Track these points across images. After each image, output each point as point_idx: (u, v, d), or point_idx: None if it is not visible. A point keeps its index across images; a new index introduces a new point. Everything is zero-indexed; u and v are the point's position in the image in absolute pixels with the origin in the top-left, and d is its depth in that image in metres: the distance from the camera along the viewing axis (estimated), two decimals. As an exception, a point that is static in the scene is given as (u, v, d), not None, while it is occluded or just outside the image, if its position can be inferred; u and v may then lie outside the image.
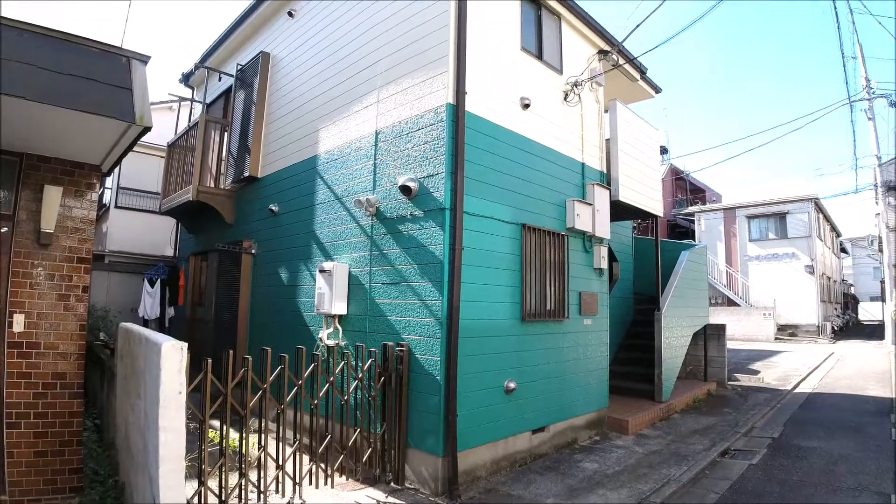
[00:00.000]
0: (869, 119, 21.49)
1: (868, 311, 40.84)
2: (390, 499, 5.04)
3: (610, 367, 8.13)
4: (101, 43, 4.50)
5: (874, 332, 27.88)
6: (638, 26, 6.67)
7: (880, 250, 23.31)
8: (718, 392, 10.81)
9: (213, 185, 9.49)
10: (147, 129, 4.69)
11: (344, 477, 5.38)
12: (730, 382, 11.68)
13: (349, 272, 6.42)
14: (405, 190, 5.67)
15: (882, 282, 24.02)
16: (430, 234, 5.48)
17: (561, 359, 6.86)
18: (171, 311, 11.76)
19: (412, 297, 5.58)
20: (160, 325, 11.61)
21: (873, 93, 21.24)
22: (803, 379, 12.90)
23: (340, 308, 6.34)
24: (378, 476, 5.44)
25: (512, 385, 5.94)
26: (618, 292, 10.45)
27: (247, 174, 8.77)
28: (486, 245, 5.82)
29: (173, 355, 3.48)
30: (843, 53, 19.17)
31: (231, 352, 4.42)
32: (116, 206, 12.99)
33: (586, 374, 7.34)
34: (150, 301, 11.78)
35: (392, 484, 5.38)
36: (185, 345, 3.58)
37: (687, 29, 6.40)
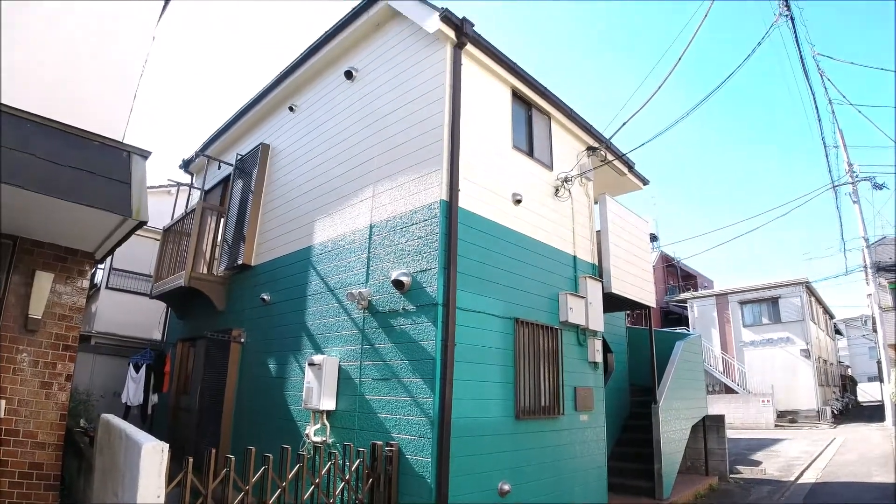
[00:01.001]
0: (854, 202, 21.97)
1: (867, 392, 40.28)
2: None
3: (607, 463, 7.86)
4: (103, 137, 4.61)
5: (874, 413, 27.37)
6: (624, 124, 6.90)
7: (874, 330, 23.27)
8: (720, 486, 10.42)
9: (205, 271, 9.48)
10: (142, 224, 4.73)
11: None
12: (731, 475, 11.28)
13: (339, 366, 6.30)
14: (398, 284, 5.66)
15: (878, 362, 23.86)
16: (422, 330, 5.43)
17: (557, 457, 6.63)
18: (154, 399, 11.41)
19: (403, 393, 5.45)
20: (143, 412, 11.24)
21: (857, 176, 21.83)
22: (806, 468, 12.50)
23: (329, 404, 6.17)
24: (365, 588, 5.10)
25: (506, 487, 5.70)
26: (613, 384, 10.26)
27: (240, 262, 8.77)
28: (479, 340, 5.75)
29: (153, 457, 3.36)
30: (824, 143, 19.79)
31: (214, 450, 4.26)
32: (107, 287, 12.92)
33: (584, 472, 7.08)
34: (133, 387, 11.45)
35: None
36: (166, 446, 3.45)
37: (670, 129, 6.63)
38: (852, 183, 21.90)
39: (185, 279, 8.89)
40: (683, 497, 8.95)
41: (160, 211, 12.93)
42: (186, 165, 12.62)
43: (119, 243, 5.37)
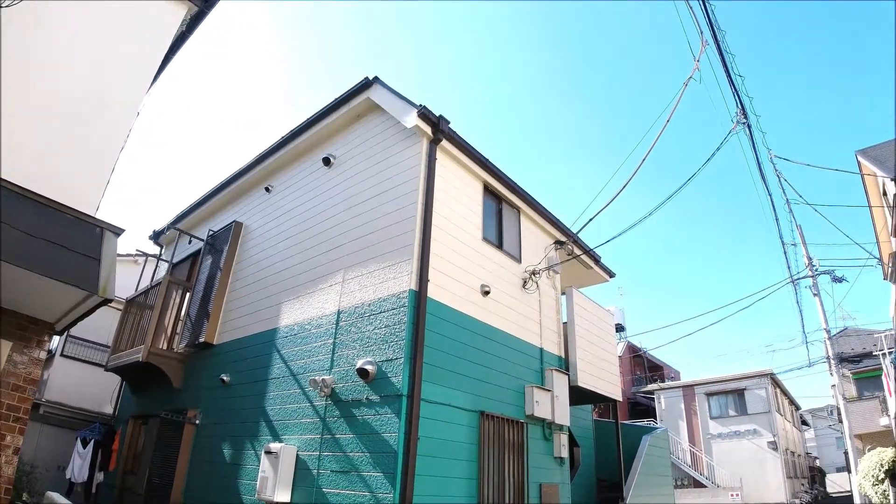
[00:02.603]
0: (814, 295, 22.51)
1: (836, 483, 39.89)
2: None
3: (573, 565, 7.58)
4: (77, 211, 4.60)
5: (844, 504, 27.05)
6: (591, 220, 7.11)
7: (840, 421, 23.40)
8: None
9: (165, 346, 9.22)
10: (108, 301, 4.65)
11: None
12: (701, 579, 10.94)
13: (297, 456, 6.07)
14: (363, 373, 5.58)
15: (846, 452, 23.83)
16: (385, 421, 5.31)
17: (520, 560, 6.38)
18: (100, 477, 10.77)
19: (363, 488, 5.25)
20: (87, 490, 10.59)
21: (816, 270, 22.50)
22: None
23: (284, 495, 5.89)
24: None
25: None
26: (580, 479, 10.02)
27: (202, 340, 8.57)
28: (444, 434, 5.64)
29: None
30: (782, 241, 20.57)
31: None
32: (62, 355, 12.45)
33: (548, 576, 6.80)
34: (79, 462, 10.83)
35: None
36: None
37: (634, 227, 6.88)
38: (812, 276, 22.56)
39: (144, 355, 8.63)
40: None
41: (125, 281, 12.69)
42: (156, 237, 12.51)
43: (81, 318, 5.25)
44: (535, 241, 8.18)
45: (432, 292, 5.87)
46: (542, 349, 7.63)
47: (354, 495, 5.32)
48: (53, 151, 5.15)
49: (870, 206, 15.29)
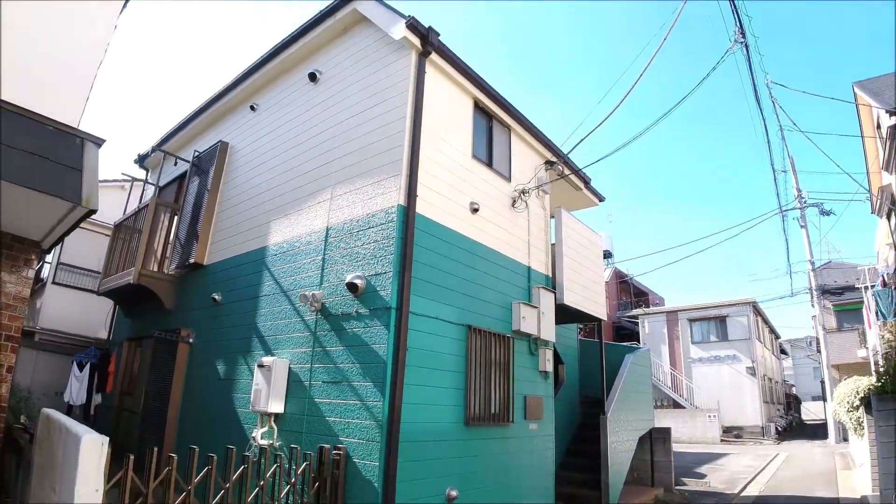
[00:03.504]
0: (801, 227, 22.83)
1: (810, 411, 41.73)
2: None
3: (556, 472, 7.95)
4: (57, 122, 4.48)
5: (817, 431, 28.36)
6: (582, 140, 7.11)
7: (818, 351, 24.17)
8: (666, 498, 10.64)
9: (156, 269, 9.25)
10: (92, 212, 4.61)
11: None
12: (677, 487, 11.53)
13: (289, 368, 6.22)
14: (352, 287, 5.64)
15: (822, 382, 24.76)
16: (374, 333, 5.42)
17: (506, 465, 6.68)
18: (98, 398, 11.05)
19: (353, 397, 5.42)
20: (85, 411, 10.87)
21: (805, 202, 22.66)
22: (750, 482, 12.87)
23: (277, 406, 6.08)
24: None
25: (454, 493, 5.71)
26: (563, 395, 10.39)
27: (192, 260, 8.60)
28: (431, 346, 5.77)
29: (93, 450, 3.24)
30: (773, 168, 20.58)
31: (155, 449, 4.15)
32: (54, 282, 12.48)
33: (532, 480, 7.14)
34: (77, 385, 11.08)
35: None
36: (107, 439, 3.34)
37: (625, 147, 6.82)
38: (800, 208, 22.77)
39: (135, 276, 8.67)
40: (629, 507, 9.12)
41: (112, 206, 12.60)
42: (142, 161, 12.31)
43: (67, 233, 5.22)
44: (525, 160, 8.12)
45: (421, 208, 5.87)
46: (529, 267, 7.72)
47: (345, 404, 5.49)
48: (28, 60, 4.98)
49: (862, 137, 15.22)
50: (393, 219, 5.64)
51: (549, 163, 8.44)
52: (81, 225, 12.84)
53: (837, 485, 11.83)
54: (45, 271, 12.80)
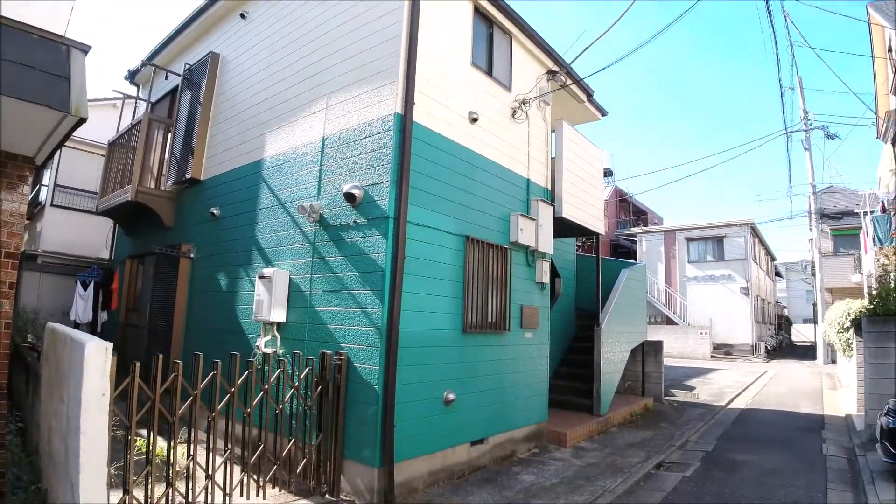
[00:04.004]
0: (805, 149, 22.58)
1: (801, 333, 42.71)
2: (324, 511, 4.94)
3: (550, 382, 8.23)
4: (41, 30, 4.33)
5: (806, 352, 29.19)
6: (586, 49, 6.85)
7: (813, 274, 24.45)
8: (655, 407, 11.09)
9: (153, 186, 9.21)
10: (83, 121, 4.53)
11: (277, 489, 5.24)
12: (666, 398, 11.99)
13: (290, 279, 6.31)
14: (349, 197, 5.63)
15: (814, 304, 25.20)
16: (372, 243, 5.46)
17: (501, 371, 6.91)
18: (104, 316, 11.28)
19: (353, 305, 5.53)
20: (92, 329, 11.11)
21: (810, 124, 22.32)
22: (737, 395, 13.37)
23: (279, 315, 6.21)
24: (312, 488, 5.30)
25: (451, 396, 5.94)
26: (559, 308, 10.62)
27: (189, 176, 8.54)
28: (429, 255, 5.82)
29: (97, 356, 3.33)
30: (780, 84, 20.14)
31: (160, 355, 4.27)
32: (52, 205, 12.47)
33: (527, 387, 7.41)
34: (82, 304, 11.29)
35: (327, 496, 5.27)
36: (110, 345, 3.43)
37: (631, 54, 6.63)
38: (805, 130, 22.42)
39: (132, 194, 8.66)
40: (620, 415, 9.51)
41: (105, 125, 12.41)
42: (132, 76, 11.97)
43: (59, 145, 5.14)
44: (526, 69, 7.89)
45: (418, 117, 5.76)
46: (528, 180, 7.68)
47: (346, 312, 5.61)
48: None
49: (873, 59, 14.75)
50: (390, 128, 5.55)
51: (551, 73, 8.21)
52: (75, 145, 12.71)
53: (823, 403, 12.28)
54: (43, 194, 12.76)
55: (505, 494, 5.67)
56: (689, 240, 28.13)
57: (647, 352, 11.61)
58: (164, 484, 4.26)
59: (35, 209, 12.99)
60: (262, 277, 6.30)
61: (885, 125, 14.06)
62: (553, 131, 8.54)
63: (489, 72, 7.10)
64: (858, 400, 9.15)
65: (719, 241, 27.34)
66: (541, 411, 7.74)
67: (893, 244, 12.44)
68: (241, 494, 4.75)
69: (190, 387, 4.38)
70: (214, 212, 7.90)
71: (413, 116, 5.63)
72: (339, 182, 5.94)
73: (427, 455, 5.72)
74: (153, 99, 10.82)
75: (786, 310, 45.43)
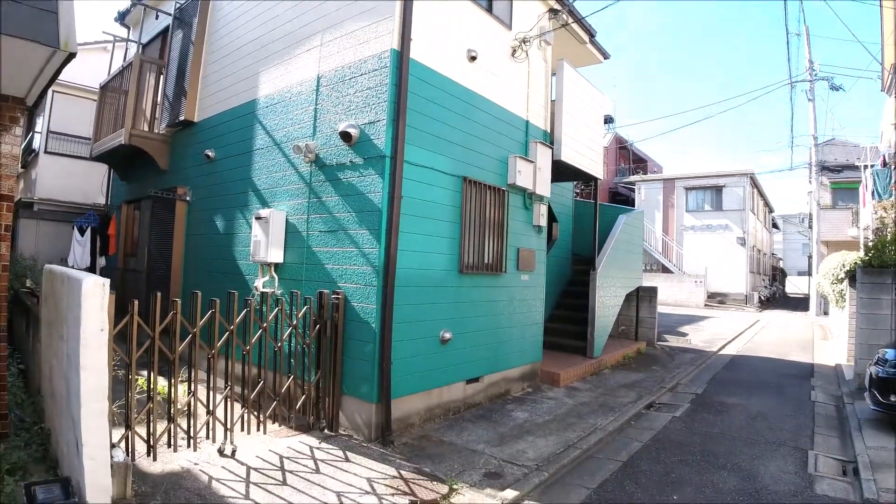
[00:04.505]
0: (809, 100, 22.23)
1: (795, 285, 43.16)
2: (324, 444, 5.07)
3: (546, 324, 8.35)
4: (23, -39, 4.18)
5: (799, 304, 29.54)
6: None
7: (810, 227, 24.48)
8: (648, 351, 11.29)
9: (147, 129, 9.11)
10: (72, 56, 4.43)
11: (277, 424, 5.37)
12: (659, 343, 12.20)
13: (286, 220, 6.30)
14: (345, 136, 5.56)
15: (809, 257, 25.36)
16: (369, 182, 5.42)
17: (497, 312, 6.99)
18: (102, 261, 11.34)
19: (349, 245, 5.54)
20: (90, 274, 11.16)
21: (816, 75, 21.93)
22: (729, 342, 13.61)
23: (277, 256, 6.23)
24: (312, 423, 5.45)
25: (447, 335, 6.02)
26: (556, 252, 10.67)
27: (182, 118, 8.42)
28: (426, 196, 5.80)
29: (94, 291, 3.34)
30: (787, 29, 19.66)
31: (159, 294, 4.30)
32: (46, 152, 12.33)
33: (522, 327, 7.52)
34: (80, 250, 11.32)
35: (326, 431, 5.42)
36: (107, 281, 3.44)
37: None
38: (810, 80, 22.04)
39: (125, 137, 8.56)
40: (613, 357, 9.69)
41: (97, 69, 12.15)
42: (122, 18, 11.63)
43: (49, 83, 5.04)
44: (527, 7, 7.62)
45: (415, 54, 5.62)
46: (527, 122, 7.57)
47: (343, 251, 5.62)
48: None
49: (881, 6, 14.31)
50: (386, 64, 5.43)
51: (552, 11, 7.97)
52: (68, 91, 12.43)
53: (814, 352, 12.48)
54: (37, 141, 12.61)
55: (499, 430, 5.82)
56: (688, 189, 28.05)
57: (642, 297, 11.74)
58: (167, 420, 4.37)
59: (29, 157, 12.86)
60: (258, 218, 6.29)
61: (890, 77, 13.81)
62: (554, 74, 8.38)
63: (489, 8, 6.91)
64: (849, 350, 9.31)
65: (718, 190, 27.27)
66: (535, 352, 7.87)
67: (892, 197, 12.42)
68: (242, 430, 4.88)
69: (189, 325, 4.43)
70: (209, 154, 7.82)
71: (410, 53, 5.50)
72: (335, 121, 5.85)
73: (423, 392, 5.85)
74: (144, 40, 10.56)
75: (781, 262, 45.73)
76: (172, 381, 4.29)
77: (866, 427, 6.16)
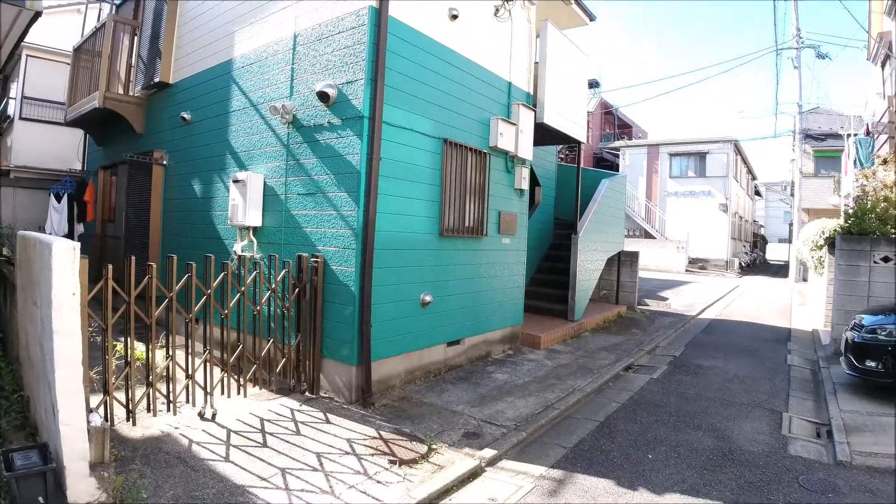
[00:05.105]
0: (795, 67, 22.16)
1: (775, 252, 43.77)
2: (304, 407, 5.10)
3: (527, 288, 8.39)
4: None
5: (779, 270, 29.99)
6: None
7: (792, 195, 24.68)
8: (628, 315, 11.42)
9: (122, 91, 8.88)
10: (38, 15, 4.31)
11: (258, 388, 5.39)
12: (639, 307, 12.34)
13: (264, 183, 6.21)
14: (323, 96, 5.44)
15: (790, 224, 25.61)
16: (347, 143, 5.34)
17: (478, 275, 7.00)
18: (80, 228, 11.17)
19: (328, 207, 5.48)
20: (68, 242, 10.99)
21: (802, 42, 21.84)
22: (708, 307, 13.81)
23: (255, 219, 6.16)
24: (293, 386, 5.46)
25: (428, 298, 6.03)
26: (539, 216, 10.67)
27: (157, 79, 8.21)
28: (406, 157, 5.73)
29: (65, 255, 3.29)
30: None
31: (133, 258, 4.24)
32: (21, 118, 12.01)
33: (503, 290, 7.55)
34: (57, 217, 11.15)
35: (307, 393, 5.44)
36: (78, 244, 3.38)
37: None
38: (797, 48, 21.95)
39: (100, 100, 8.37)
40: (593, 321, 9.79)
41: (71, 32, 11.79)
42: (93, -24, 11.23)
43: (17, 43, 4.90)
44: (509, -36, 7.48)
45: (394, 12, 5.47)
46: (510, 83, 7.46)
47: (321, 214, 5.56)
48: None
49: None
50: (364, 22, 5.29)
51: (535, -32, 7.81)
52: (42, 55, 12.07)
53: (791, 317, 12.72)
54: (12, 108, 12.28)
55: (479, 391, 5.88)
56: (672, 155, 28.10)
57: (623, 262, 11.82)
58: (146, 385, 4.35)
59: (4, 123, 12.53)
60: (236, 181, 6.19)
61: (876, 46, 13.79)
62: (538, 36, 8.23)
63: (470, -35, 6.73)
64: (826, 315, 9.46)
65: (702, 157, 27.34)
66: (516, 315, 7.93)
67: (874, 166, 12.52)
68: (223, 393, 4.88)
69: (166, 290, 4.38)
70: (185, 116, 7.65)
71: (389, 10, 5.36)
72: (312, 81, 5.73)
73: (404, 354, 5.88)
74: (117, 0, 10.23)
75: (762, 228, 46.26)
76: (150, 346, 4.26)
77: (841, 391, 6.29)
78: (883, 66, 13.88)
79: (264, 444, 4.25)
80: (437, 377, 6.30)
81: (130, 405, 4.23)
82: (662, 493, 3.87)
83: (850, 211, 9.18)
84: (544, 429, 5.07)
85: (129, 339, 4.17)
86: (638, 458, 4.49)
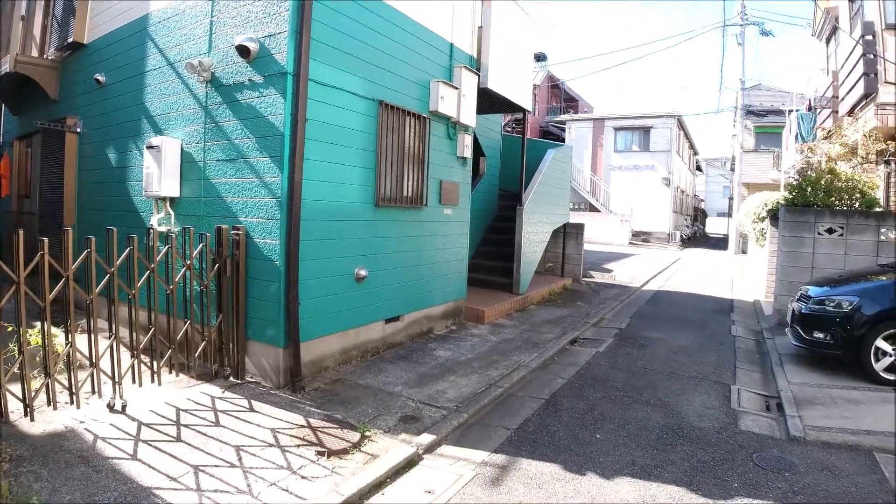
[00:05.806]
0: (739, 44, 22.59)
1: (715, 226, 45.30)
2: (227, 394, 4.67)
3: (472, 261, 8.12)
4: None
5: (719, 243, 30.94)
6: None
7: (732, 170, 25.31)
8: (573, 287, 11.35)
9: (36, 54, 8.08)
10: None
11: (175, 374, 4.87)
12: (584, 279, 12.31)
13: (181, 148, 5.64)
14: (243, 51, 4.92)
15: (730, 199, 26.32)
16: (270, 103, 4.85)
17: (418, 247, 6.66)
18: (-6, 204, 10.22)
19: (250, 174, 5.00)
20: (-16, 221, 10.07)
21: (746, 19, 22.22)
22: (652, 278, 13.95)
23: (171, 189, 5.61)
24: (215, 371, 5.01)
25: (363, 273, 5.65)
26: (483, 187, 10.39)
27: (71, 39, 7.47)
28: (336, 120, 5.28)
29: None
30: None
31: (21, 232, 3.71)
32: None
33: (445, 263, 7.24)
34: (-31, 192, 10.14)
35: (231, 378, 5.00)
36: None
37: None
38: (741, 25, 22.30)
39: (11, 64, 7.63)
40: (539, 294, 9.64)
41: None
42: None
43: None
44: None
45: (322, -43, 4.99)
46: (452, 45, 7.04)
47: (243, 182, 5.08)
48: None
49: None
50: (288, -32, 4.78)
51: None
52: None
53: (732, 288, 12.98)
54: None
55: (419, 370, 5.59)
56: (617, 129, 28.35)
57: (569, 234, 11.72)
58: (44, 375, 3.84)
59: None
60: (150, 147, 5.61)
61: (822, 22, 13.96)
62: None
63: (407, -86, 6.25)
64: (768, 287, 9.59)
65: (646, 131, 27.67)
66: (459, 289, 7.65)
67: (816, 140, 12.77)
68: (134, 382, 4.39)
69: (62, 268, 3.87)
70: (99, 78, 6.95)
71: (315, -44, 4.86)
72: (233, 35, 5.18)
73: (338, 333, 5.51)
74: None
75: (703, 203, 47.65)
76: (45, 328, 3.75)
77: (788, 362, 6.28)
78: (828, 41, 14.10)
79: (178, 439, 3.82)
80: (375, 356, 5.96)
81: (27, 399, 3.73)
82: (612, 478, 3.65)
83: (795, 183, 9.25)
84: (487, 409, 4.82)
85: (20, 325, 3.65)
86: (586, 438, 4.28)
